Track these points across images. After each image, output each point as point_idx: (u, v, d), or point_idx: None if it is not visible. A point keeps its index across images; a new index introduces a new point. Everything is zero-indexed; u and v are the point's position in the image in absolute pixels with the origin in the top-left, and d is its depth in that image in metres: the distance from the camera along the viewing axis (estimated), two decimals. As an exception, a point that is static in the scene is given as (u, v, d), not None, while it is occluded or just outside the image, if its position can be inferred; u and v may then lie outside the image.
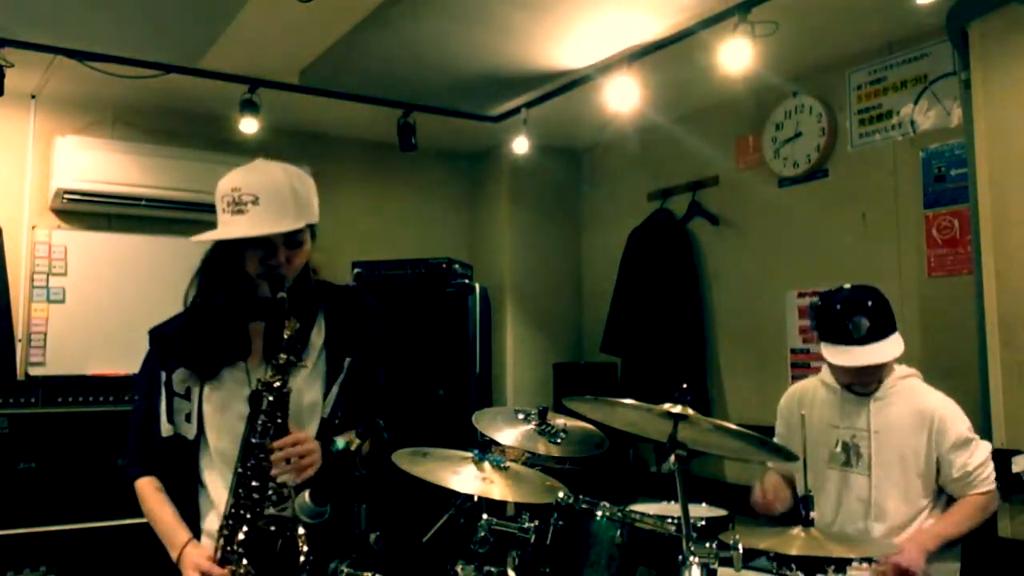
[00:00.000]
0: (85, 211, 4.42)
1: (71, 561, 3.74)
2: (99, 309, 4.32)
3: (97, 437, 3.88)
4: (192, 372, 1.93)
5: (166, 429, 1.92)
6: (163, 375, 1.94)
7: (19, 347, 4.18)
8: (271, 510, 1.79)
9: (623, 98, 3.84)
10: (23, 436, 3.75)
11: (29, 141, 4.37)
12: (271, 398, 1.81)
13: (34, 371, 4.17)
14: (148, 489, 1.95)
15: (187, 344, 1.93)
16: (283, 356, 1.82)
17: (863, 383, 2.61)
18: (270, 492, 1.80)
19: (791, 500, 2.76)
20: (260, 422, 1.81)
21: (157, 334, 2.02)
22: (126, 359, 4.28)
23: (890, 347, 2.50)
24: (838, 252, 3.93)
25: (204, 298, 1.95)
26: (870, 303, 2.52)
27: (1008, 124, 2.82)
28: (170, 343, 1.97)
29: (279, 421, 1.82)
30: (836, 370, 2.62)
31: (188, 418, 1.93)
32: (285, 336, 1.82)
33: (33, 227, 4.31)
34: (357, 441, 1.74)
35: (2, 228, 4.19)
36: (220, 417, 1.92)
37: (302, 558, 1.69)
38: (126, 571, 3.80)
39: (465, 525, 2.26)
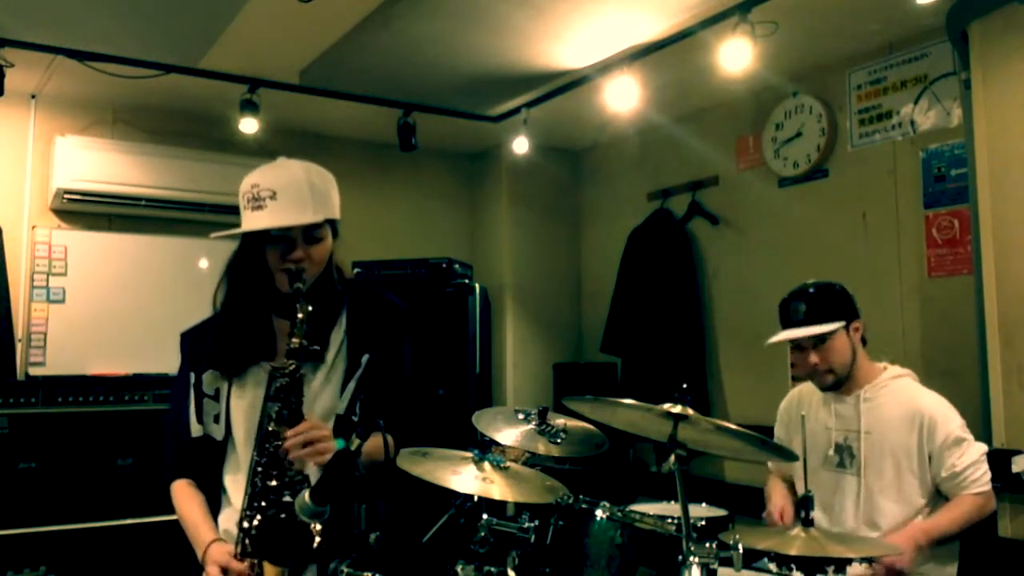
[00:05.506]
0: (85, 211, 4.42)
1: (71, 561, 3.74)
2: (99, 309, 4.32)
3: (97, 437, 3.88)
4: (220, 372, 1.94)
5: (195, 429, 1.94)
6: (192, 376, 1.96)
7: (19, 347, 4.18)
8: (287, 498, 1.78)
9: (623, 98, 3.85)
10: (23, 436, 3.75)
11: (29, 141, 4.37)
12: (284, 382, 1.80)
13: (34, 371, 4.17)
14: (181, 491, 1.96)
15: (214, 343, 1.95)
16: (296, 340, 1.80)
17: (813, 375, 2.64)
18: (286, 479, 1.79)
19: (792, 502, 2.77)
20: (275, 409, 1.80)
21: (187, 336, 2.04)
22: (126, 359, 4.30)
23: (816, 329, 2.54)
24: (838, 252, 3.93)
25: (231, 299, 1.97)
26: (812, 290, 2.62)
27: (1008, 124, 2.81)
28: (199, 345, 1.99)
29: (294, 407, 1.80)
30: (792, 359, 2.71)
31: (217, 419, 1.94)
32: (298, 320, 1.80)
33: (33, 227, 4.31)
34: (357, 441, 1.74)
35: (2, 228, 4.19)
36: (246, 420, 1.92)
37: (315, 544, 1.68)
38: (126, 571, 3.80)
39: (465, 525, 2.26)
